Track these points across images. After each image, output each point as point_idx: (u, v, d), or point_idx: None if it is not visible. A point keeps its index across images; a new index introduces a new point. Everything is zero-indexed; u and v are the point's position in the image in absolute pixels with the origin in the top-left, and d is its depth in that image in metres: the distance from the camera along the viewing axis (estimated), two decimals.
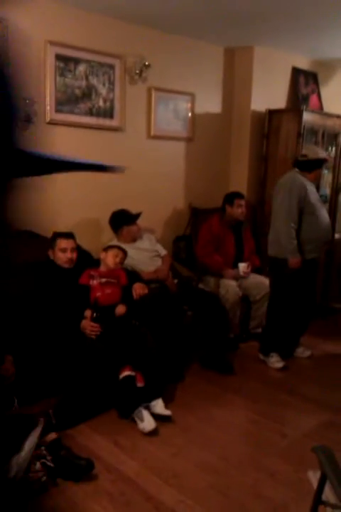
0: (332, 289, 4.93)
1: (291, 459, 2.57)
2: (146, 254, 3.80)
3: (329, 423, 2.97)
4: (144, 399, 2.87)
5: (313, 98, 5.01)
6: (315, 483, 1.70)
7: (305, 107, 4.53)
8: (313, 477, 1.72)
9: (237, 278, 4.08)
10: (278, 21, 3.84)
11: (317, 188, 3.90)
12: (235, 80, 4.74)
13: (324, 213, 3.61)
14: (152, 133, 4.22)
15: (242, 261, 4.12)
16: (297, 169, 3.60)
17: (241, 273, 4.07)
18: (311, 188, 3.56)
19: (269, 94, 4.69)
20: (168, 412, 2.89)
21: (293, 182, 3.53)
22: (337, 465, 1.57)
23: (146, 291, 3.39)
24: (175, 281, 3.84)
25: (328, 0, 3.26)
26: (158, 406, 2.89)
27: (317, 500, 1.67)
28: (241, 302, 4.02)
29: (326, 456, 1.61)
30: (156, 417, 2.84)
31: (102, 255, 3.36)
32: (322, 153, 3.70)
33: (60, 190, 3.77)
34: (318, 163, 3.59)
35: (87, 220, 3.89)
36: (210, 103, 4.66)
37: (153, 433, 2.75)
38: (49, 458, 2.29)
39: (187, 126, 4.49)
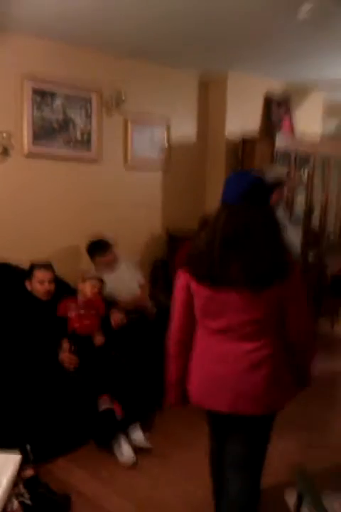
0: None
1: (270, 480, 2.54)
2: (125, 282, 3.84)
3: (305, 442, 3.03)
4: (123, 430, 2.91)
5: (286, 122, 5.14)
6: (291, 503, 1.74)
7: (277, 131, 4.65)
8: (290, 497, 1.76)
9: None
10: (251, 48, 3.94)
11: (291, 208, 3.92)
12: (209, 107, 4.84)
13: (291, 235, 3.61)
14: (129, 163, 4.31)
15: None
16: None
17: None
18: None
19: (243, 119, 4.80)
20: (148, 445, 2.91)
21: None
22: (313, 484, 1.58)
23: (125, 320, 3.43)
24: (154, 308, 3.89)
25: (299, 26, 3.35)
26: (138, 437, 2.92)
27: None
28: None
29: (303, 476, 1.62)
30: (135, 446, 2.86)
31: (80, 286, 3.40)
32: (273, 175, 3.61)
33: (40, 218, 3.87)
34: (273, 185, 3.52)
35: (65, 247, 3.96)
36: (185, 131, 4.76)
37: (133, 463, 2.78)
38: (27, 496, 2.32)
39: (163, 155, 4.58)
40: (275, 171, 3.70)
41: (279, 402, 1.84)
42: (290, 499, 1.75)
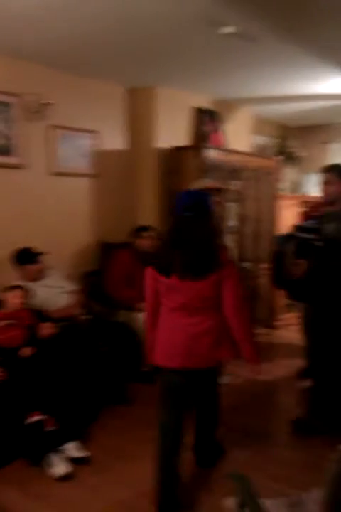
0: None
1: (213, 489, 2.54)
2: (54, 291, 3.68)
3: (252, 450, 2.98)
4: (56, 443, 2.76)
5: (215, 135, 5.26)
6: (232, 510, 1.67)
7: (207, 144, 4.74)
8: (230, 504, 1.70)
9: None
10: (178, 64, 4.02)
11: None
12: (138, 119, 4.85)
13: (227, 240, 3.72)
14: (55, 170, 4.20)
15: None
16: None
17: None
18: None
19: (173, 132, 4.86)
20: (84, 454, 2.79)
21: None
22: (252, 490, 1.56)
23: (53, 330, 3.28)
24: (87, 317, 3.74)
25: (223, 44, 3.44)
26: (73, 448, 2.78)
27: None
28: None
29: (242, 482, 1.59)
30: (72, 459, 2.73)
31: (3, 297, 3.24)
32: (195, 185, 3.63)
33: None
34: None
35: None
36: (115, 140, 4.74)
37: (68, 477, 2.63)
38: None
39: (93, 163, 4.52)
40: (203, 183, 3.74)
41: (217, 360, 2.51)
42: (231, 506, 1.68)
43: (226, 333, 2.42)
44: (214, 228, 2.54)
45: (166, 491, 2.38)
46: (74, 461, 2.73)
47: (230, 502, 1.69)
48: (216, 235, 2.52)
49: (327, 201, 3.20)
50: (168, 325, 2.43)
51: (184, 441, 2.47)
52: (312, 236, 3.02)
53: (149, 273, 2.46)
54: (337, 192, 3.08)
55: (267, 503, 1.69)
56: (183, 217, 2.39)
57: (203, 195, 2.53)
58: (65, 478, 2.62)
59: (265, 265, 5.22)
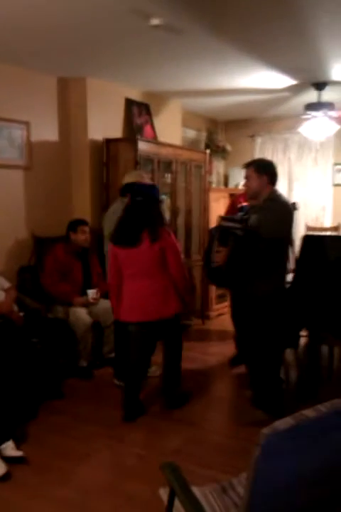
0: None
1: (149, 480, 2.55)
2: None
3: (186, 438, 3.05)
4: None
5: (147, 128, 5.29)
6: (165, 499, 1.72)
7: (139, 136, 4.75)
8: (164, 494, 1.74)
9: (87, 305, 4.06)
10: (109, 55, 3.98)
11: None
12: (70, 110, 4.76)
13: None
14: None
15: (91, 287, 4.11)
16: (120, 197, 3.74)
17: (91, 299, 4.06)
18: None
19: (105, 123, 4.81)
20: (19, 453, 2.72)
21: (113, 214, 3.61)
22: (183, 478, 1.59)
23: None
24: (22, 314, 3.64)
25: (154, 36, 3.47)
26: (9, 448, 2.70)
27: None
28: (92, 329, 4.00)
29: (172, 471, 1.62)
30: (8, 459, 2.65)
31: None
32: (129, 179, 3.72)
33: None
34: (127, 187, 3.61)
35: None
36: (47, 132, 4.61)
37: (6, 477, 2.56)
38: None
39: (24, 155, 4.37)
40: (135, 176, 3.76)
41: (168, 312, 3.24)
42: (165, 496, 1.73)
43: (172, 292, 3.22)
44: (157, 210, 3.27)
45: (131, 398, 3.28)
46: (11, 460, 2.66)
47: (165, 492, 1.73)
48: (157, 215, 3.25)
49: (249, 196, 3.37)
50: (127, 289, 3.22)
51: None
52: (235, 225, 3.18)
53: (111, 248, 3.25)
54: (258, 186, 3.21)
55: (198, 490, 1.75)
56: (135, 201, 3.23)
57: (151, 187, 3.44)
58: (3, 478, 2.55)
59: (197, 257, 5.38)
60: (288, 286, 3.50)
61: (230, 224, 3.25)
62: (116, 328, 3.78)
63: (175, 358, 3.45)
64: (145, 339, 3.34)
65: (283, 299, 3.22)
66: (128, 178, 3.74)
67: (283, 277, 3.29)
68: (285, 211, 3.19)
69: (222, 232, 3.22)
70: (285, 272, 3.30)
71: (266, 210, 3.10)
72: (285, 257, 3.27)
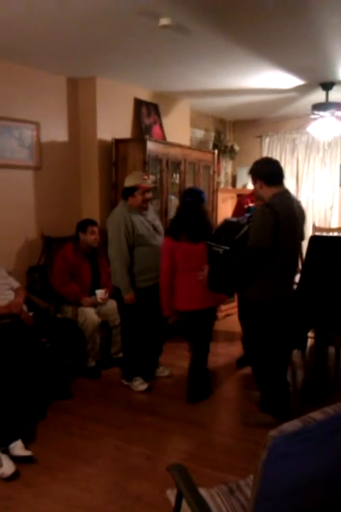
0: None
1: (156, 481, 2.58)
2: None
3: (194, 439, 3.06)
4: (1, 442, 2.69)
5: (156, 128, 5.30)
6: (172, 500, 1.73)
7: (148, 136, 4.77)
8: (171, 495, 1.75)
9: (95, 305, 4.08)
10: (118, 55, 4.00)
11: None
12: (80, 110, 4.79)
13: (156, 241, 3.68)
14: None
15: (99, 287, 4.14)
16: (122, 199, 3.70)
17: (99, 299, 4.08)
18: (138, 218, 3.61)
19: (114, 124, 4.84)
20: (28, 453, 2.74)
21: (117, 216, 3.60)
22: (191, 480, 1.59)
23: None
24: (31, 313, 3.67)
25: (163, 37, 3.48)
26: (18, 447, 2.72)
27: None
28: (100, 329, 4.02)
29: (180, 473, 1.63)
30: (17, 459, 2.68)
31: None
32: (129, 182, 3.67)
33: None
34: (130, 190, 3.61)
35: None
36: (57, 132, 4.64)
37: (14, 476, 2.58)
38: None
39: (34, 155, 4.40)
40: (133, 177, 3.74)
41: (215, 302, 3.66)
42: (172, 497, 1.74)
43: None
44: (205, 209, 3.66)
45: (196, 380, 3.61)
46: (19, 460, 2.69)
47: (172, 494, 1.74)
48: (206, 213, 3.65)
49: (256, 198, 3.40)
50: (185, 281, 3.48)
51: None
52: (218, 245, 3.16)
53: (167, 242, 3.51)
54: (258, 192, 3.11)
55: (205, 492, 1.75)
56: (185, 202, 3.58)
57: (198, 190, 3.76)
58: (12, 477, 2.58)
59: None
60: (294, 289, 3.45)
61: (213, 243, 3.21)
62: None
63: (208, 348, 3.71)
64: (203, 324, 3.61)
65: (284, 306, 3.06)
66: (130, 181, 3.68)
67: (281, 284, 3.04)
68: (265, 220, 2.90)
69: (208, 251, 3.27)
70: (285, 279, 3.06)
71: (254, 218, 3.03)
72: (283, 264, 3.03)
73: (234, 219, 3.50)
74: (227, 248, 3.09)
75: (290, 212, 2.98)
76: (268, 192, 3.02)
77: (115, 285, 3.72)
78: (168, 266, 3.47)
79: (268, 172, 3.05)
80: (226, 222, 3.44)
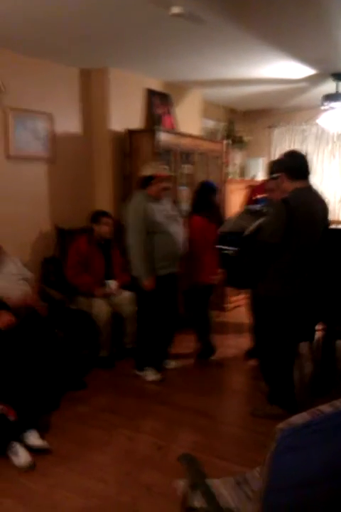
0: None
1: (167, 470, 2.61)
2: (12, 278, 3.61)
3: (204, 430, 3.10)
4: (17, 432, 2.75)
5: (167, 118, 5.30)
6: (180, 491, 1.75)
7: (159, 126, 4.76)
8: (182, 486, 1.77)
9: (108, 296, 4.13)
10: (130, 45, 4.00)
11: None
12: (92, 101, 4.81)
13: (174, 229, 3.72)
14: (10, 153, 4.10)
15: (112, 278, 4.18)
16: (140, 188, 3.73)
17: (112, 290, 4.13)
18: (157, 207, 3.64)
19: (126, 114, 4.85)
20: (43, 443, 2.79)
21: (138, 204, 3.62)
22: (201, 471, 1.62)
23: (14, 319, 3.25)
24: (46, 304, 3.72)
25: (175, 26, 3.48)
26: (33, 437, 2.78)
27: (185, 507, 1.70)
28: (113, 319, 4.07)
29: (190, 463, 1.66)
30: (32, 449, 2.73)
31: None
32: (146, 171, 3.72)
33: None
34: (148, 180, 3.66)
35: None
36: (70, 123, 4.66)
37: (30, 467, 2.64)
38: None
39: (48, 146, 4.44)
40: (153, 168, 3.76)
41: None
42: (179, 487, 1.76)
43: None
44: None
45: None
46: (34, 450, 2.74)
47: (181, 484, 1.76)
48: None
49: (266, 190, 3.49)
50: (212, 258, 3.75)
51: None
52: (225, 247, 3.21)
53: (198, 221, 3.96)
54: (279, 183, 3.07)
55: (213, 482, 1.76)
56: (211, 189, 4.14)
57: (212, 183, 4.28)
58: (28, 468, 2.63)
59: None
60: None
61: (222, 246, 3.25)
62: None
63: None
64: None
65: (293, 304, 3.01)
66: (147, 170, 3.74)
67: (293, 281, 2.98)
68: (277, 216, 2.88)
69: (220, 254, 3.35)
70: (298, 276, 2.99)
71: (268, 212, 3.01)
72: (297, 261, 2.96)
73: (251, 207, 3.57)
74: (236, 249, 3.11)
75: (308, 209, 2.90)
76: (289, 186, 2.94)
77: (133, 274, 3.72)
78: (200, 241, 3.94)
79: (293, 165, 2.98)
80: (229, 221, 3.50)
